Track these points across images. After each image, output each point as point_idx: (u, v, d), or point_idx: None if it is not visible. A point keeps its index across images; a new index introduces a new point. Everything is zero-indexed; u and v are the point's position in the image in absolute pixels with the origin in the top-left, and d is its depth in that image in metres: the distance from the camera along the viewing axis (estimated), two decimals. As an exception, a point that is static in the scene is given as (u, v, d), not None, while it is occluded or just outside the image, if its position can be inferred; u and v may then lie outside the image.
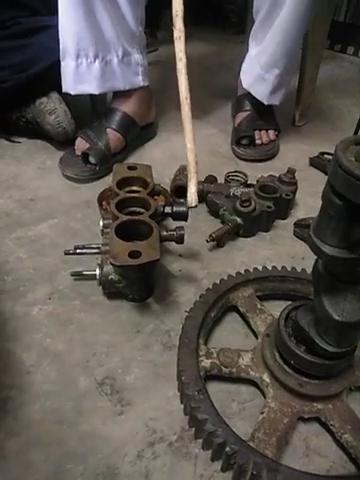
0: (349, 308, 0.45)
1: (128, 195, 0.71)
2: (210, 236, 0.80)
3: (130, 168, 0.77)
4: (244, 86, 1.10)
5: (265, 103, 1.08)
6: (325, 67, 1.61)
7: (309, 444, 0.53)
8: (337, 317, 0.45)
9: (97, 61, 0.92)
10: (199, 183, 0.92)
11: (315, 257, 0.48)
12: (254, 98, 1.09)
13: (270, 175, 0.94)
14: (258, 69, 1.04)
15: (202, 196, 0.91)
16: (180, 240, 0.67)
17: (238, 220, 0.83)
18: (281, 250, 0.82)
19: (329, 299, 0.46)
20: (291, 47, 0.99)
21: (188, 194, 0.75)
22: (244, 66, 1.11)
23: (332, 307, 0.45)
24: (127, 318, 0.67)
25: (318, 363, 0.50)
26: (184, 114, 0.76)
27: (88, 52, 0.91)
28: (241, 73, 1.12)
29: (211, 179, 0.95)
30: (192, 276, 0.75)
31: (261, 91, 1.07)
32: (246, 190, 0.89)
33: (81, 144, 0.98)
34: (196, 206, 0.73)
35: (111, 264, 0.60)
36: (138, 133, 1.07)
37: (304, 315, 0.52)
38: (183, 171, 0.95)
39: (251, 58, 1.08)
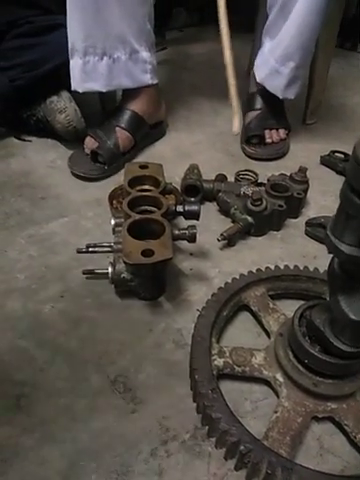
0: (365, 307, 0.45)
1: (140, 194, 0.71)
2: (221, 235, 0.79)
3: (142, 167, 0.77)
4: (258, 80, 1.08)
5: (280, 97, 1.06)
6: (335, 65, 1.60)
7: (323, 444, 0.53)
8: (353, 316, 0.44)
9: (105, 58, 0.93)
10: (209, 182, 0.92)
11: (327, 256, 0.47)
12: (265, 96, 1.08)
13: (281, 174, 0.93)
14: (273, 62, 1.03)
15: (212, 195, 0.91)
16: (192, 239, 0.67)
17: (249, 219, 0.82)
18: (292, 249, 0.82)
19: (345, 298, 0.45)
20: (307, 39, 0.97)
21: (234, 121, 0.82)
22: (257, 61, 1.09)
23: (348, 306, 0.45)
24: (139, 317, 0.67)
25: (333, 363, 0.50)
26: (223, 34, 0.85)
27: (96, 49, 0.91)
28: (254, 68, 1.10)
29: (221, 178, 0.94)
30: (203, 275, 0.75)
31: (276, 85, 1.05)
32: (257, 189, 0.88)
33: (90, 143, 0.99)
34: (238, 134, 0.83)
35: (124, 262, 0.60)
36: (147, 132, 1.07)
37: (319, 314, 0.51)
38: (193, 170, 0.95)
39: (265, 53, 1.06)
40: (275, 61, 1.02)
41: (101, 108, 1.21)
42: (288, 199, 0.85)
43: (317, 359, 0.50)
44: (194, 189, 0.90)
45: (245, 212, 0.83)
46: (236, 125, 0.83)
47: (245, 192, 0.88)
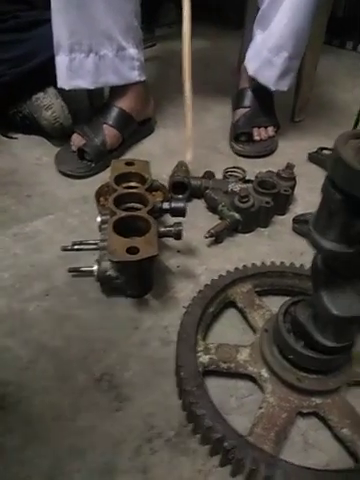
0: (348, 303, 0.45)
1: (126, 191, 0.70)
2: (208, 232, 0.79)
3: (128, 164, 0.77)
4: (250, 73, 1.07)
5: (272, 89, 1.05)
6: (324, 62, 1.60)
7: (308, 439, 0.53)
8: (336, 312, 0.45)
9: (91, 55, 0.92)
10: (197, 179, 0.92)
11: (314, 252, 0.48)
12: (256, 92, 1.08)
13: (269, 171, 0.93)
14: (265, 53, 1.01)
15: (200, 192, 0.91)
16: (178, 236, 0.67)
17: (236, 216, 0.82)
18: (279, 246, 0.82)
19: (328, 294, 0.45)
20: (300, 28, 0.96)
21: (187, 151, 0.87)
22: (249, 54, 1.07)
23: (331, 302, 0.45)
24: (125, 314, 0.67)
25: (317, 358, 0.50)
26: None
27: (82, 46, 0.90)
28: (245, 62, 1.09)
29: (209, 175, 0.94)
30: (190, 272, 0.75)
31: (268, 76, 1.03)
32: (245, 186, 0.88)
33: (77, 140, 0.98)
34: (184, 168, 0.87)
35: (109, 260, 0.59)
36: (135, 129, 1.07)
37: (303, 310, 0.51)
38: (181, 167, 0.94)
39: (257, 45, 1.04)
40: (268, 52, 1.00)
41: (89, 104, 1.20)
42: (275, 196, 0.85)
43: (301, 355, 0.50)
44: (182, 186, 0.90)
45: (232, 209, 0.83)
46: (189, 155, 0.88)
47: (233, 189, 0.88)
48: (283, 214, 0.90)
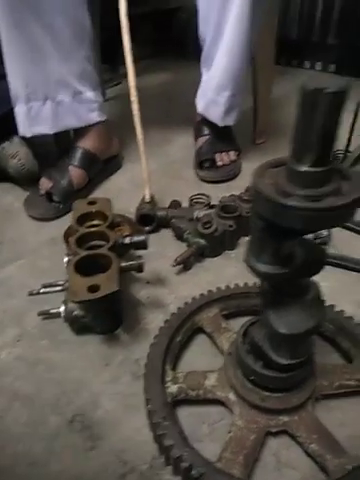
0: (294, 320, 0.47)
1: (87, 230, 0.73)
2: (175, 260, 0.81)
3: (90, 203, 0.79)
4: (199, 111, 1.13)
5: (219, 125, 1.11)
6: (283, 83, 1.67)
7: (280, 458, 0.54)
8: (283, 330, 0.46)
9: (48, 102, 0.96)
10: (163, 209, 0.94)
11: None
12: (210, 123, 1.13)
13: (231, 195, 0.96)
14: (210, 93, 1.08)
15: (166, 222, 0.94)
16: (140, 269, 0.69)
17: (202, 242, 0.85)
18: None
19: (274, 313, 0.47)
20: (237, 68, 1.02)
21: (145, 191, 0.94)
22: (198, 92, 1.14)
23: (278, 320, 0.47)
24: (96, 352, 0.68)
25: (276, 377, 0.51)
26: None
27: (38, 95, 0.94)
28: (196, 100, 1.15)
29: (175, 204, 0.97)
30: (160, 302, 0.77)
31: (214, 114, 1.10)
32: (208, 212, 0.91)
33: (45, 183, 1.01)
34: (150, 201, 0.94)
35: (71, 300, 0.61)
36: (101, 167, 1.10)
37: (258, 331, 0.53)
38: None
39: (203, 84, 1.11)
40: (212, 91, 1.06)
41: (56, 147, 1.23)
42: (238, 219, 0.88)
43: (261, 375, 0.52)
44: (148, 218, 0.93)
45: (197, 235, 0.85)
46: (147, 195, 0.95)
47: (197, 216, 0.91)
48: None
